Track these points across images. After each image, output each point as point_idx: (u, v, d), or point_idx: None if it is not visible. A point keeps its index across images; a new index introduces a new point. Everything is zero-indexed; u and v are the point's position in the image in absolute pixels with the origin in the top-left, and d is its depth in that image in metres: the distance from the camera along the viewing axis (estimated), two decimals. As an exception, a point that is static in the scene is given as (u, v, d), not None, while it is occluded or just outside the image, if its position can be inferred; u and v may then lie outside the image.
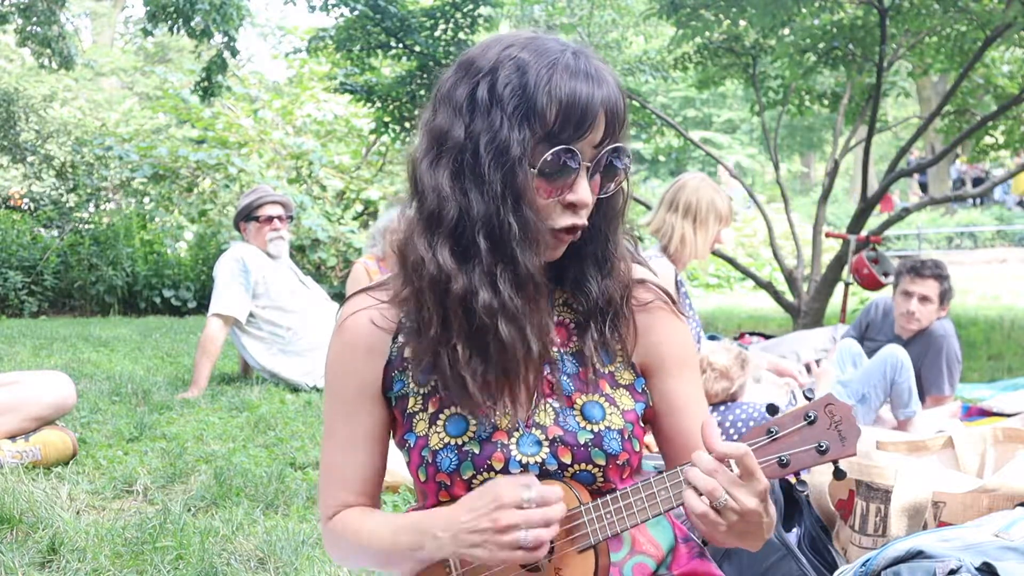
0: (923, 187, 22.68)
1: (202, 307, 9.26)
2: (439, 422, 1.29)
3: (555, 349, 1.32)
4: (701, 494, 1.14)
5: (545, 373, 1.30)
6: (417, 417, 1.31)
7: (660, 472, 1.22)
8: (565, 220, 1.23)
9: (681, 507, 1.19)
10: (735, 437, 1.36)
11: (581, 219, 1.23)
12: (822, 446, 1.16)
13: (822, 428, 1.17)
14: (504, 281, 1.20)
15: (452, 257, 1.21)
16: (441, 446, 1.28)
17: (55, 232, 10.35)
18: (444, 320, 1.23)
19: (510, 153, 1.17)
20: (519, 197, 1.19)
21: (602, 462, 1.27)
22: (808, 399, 1.19)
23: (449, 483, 1.28)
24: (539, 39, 1.23)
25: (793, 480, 2.08)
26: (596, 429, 1.28)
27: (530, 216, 1.19)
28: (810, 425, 1.17)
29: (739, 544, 1.21)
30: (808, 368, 4.93)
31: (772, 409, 1.20)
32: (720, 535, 1.17)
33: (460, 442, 1.28)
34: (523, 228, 1.19)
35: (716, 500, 1.13)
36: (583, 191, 1.21)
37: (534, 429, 1.28)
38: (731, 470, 1.14)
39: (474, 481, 1.27)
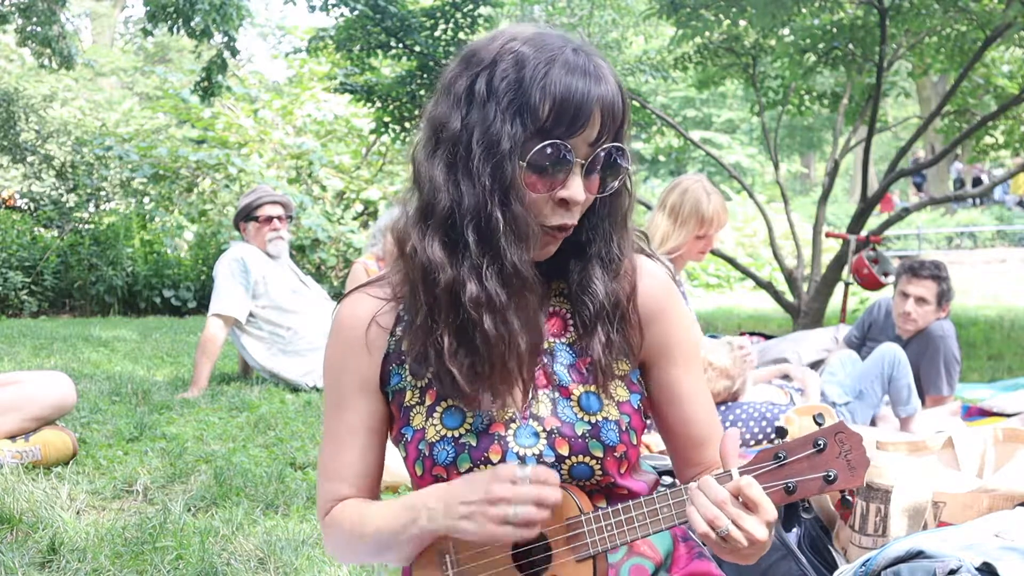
0: (918, 187, 22.72)
1: (202, 307, 9.26)
2: (436, 414, 1.29)
3: (551, 339, 1.31)
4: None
5: (543, 363, 1.30)
6: (414, 411, 1.30)
7: (664, 488, 1.21)
8: (556, 218, 1.22)
9: (683, 524, 1.18)
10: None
11: (572, 218, 1.23)
12: (830, 475, 1.14)
13: (831, 456, 1.15)
14: (490, 275, 1.20)
15: (442, 248, 1.22)
16: (438, 439, 1.27)
17: (55, 232, 10.35)
18: (432, 310, 1.24)
19: (500, 147, 1.17)
20: (507, 192, 1.18)
21: (599, 454, 1.26)
22: (819, 424, 1.17)
23: (446, 476, 1.27)
24: (543, 34, 1.22)
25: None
26: (594, 420, 1.27)
27: (519, 211, 1.19)
28: (819, 452, 1.15)
29: (734, 560, 1.20)
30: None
31: (781, 432, 1.18)
32: (721, 554, 1.17)
33: (457, 434, 1.27)
34: (511, 223, 1.19)
35: (718, 529, 1.12)
36: (575, 188, 1.20)
37: (531, 420, 1.28)
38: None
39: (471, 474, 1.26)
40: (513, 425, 1.27)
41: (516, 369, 1.24)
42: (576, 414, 1.27)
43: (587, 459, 1.26)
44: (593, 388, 1.29)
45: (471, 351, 1.23)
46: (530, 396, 1.29)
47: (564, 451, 1.26)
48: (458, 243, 1.21)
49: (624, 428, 1.28)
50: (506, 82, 1.18)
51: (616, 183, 1.26)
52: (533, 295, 1.25)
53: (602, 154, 1.22)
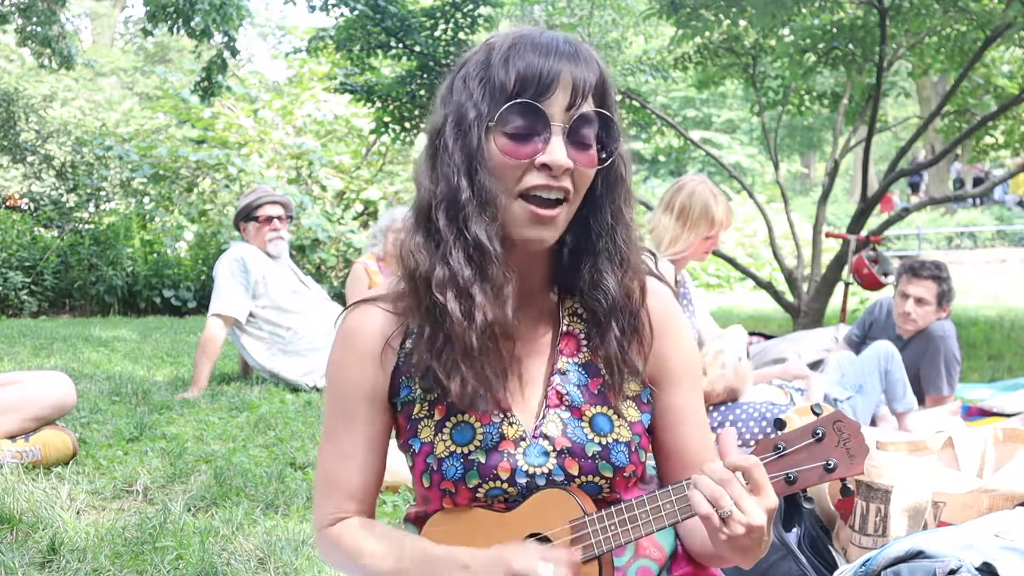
0: (914, 187, 22.71)
1: (202, 307, 9.26)
2: (445, 430, 1.28)
3: (564, 359, 1.31)
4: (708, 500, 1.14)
5: (554, 383, 1.30)
6: (422, 423, 1.30)
7: (667, 486, 1.21)
8: (537, 179, 1.20)
9: (685, 521, 1.18)
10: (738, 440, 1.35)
11: (560, 182, 1.20)
12: (830, 464, 1.14)
13: (830, 445, 1.15)
14: (455, 253, 1.20)
15: (424, 244, 1.23)
16: (447, 454, 1.27)
17: (55, 232, 10.35)
18: (420, 311, 1.25)
19: (467, 119, 1.20)
20: (472, 160, 1.19)
21: (609, 474, 1.27)
22: (816, 415, 1.17)
23: (454, 491, 1.27)
24: (521, 29, 1.25)
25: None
26: (604, 442, 1.27)
27: (484, 180, 1.19)
28: (818, 442, 1.15)
29: (735, 559, 1.20)
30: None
31: (780, 424, 1.18)
32: (720, 546, 1.16)
33: (466, 451, 1.27)
34: (477, 193, 1.19)
35: (721, 509, 1.11)
36: (557, 151, 1.18)
37: (541, 440, 1.27)
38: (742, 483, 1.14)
39: (479, 490, 1.26)
40: (523, 443, 1.27)
41: (478, 349, 1.21)
42: (587, 435, 1.27)
43: (596, 478, 1.27)
44: (605, 409, 1.29)
45: (446, 341, 1.23)
46: (541, 415, 1.29)
47: (574, 471, 1.26)
48: (433, 233, 1.22)
49: (634, 448, 1.29)
50: (475, 66, 1.22)
51: (615, 149, 1.25)
52: (504, 272, 1.22)
53: (587, 121, 1.21)
